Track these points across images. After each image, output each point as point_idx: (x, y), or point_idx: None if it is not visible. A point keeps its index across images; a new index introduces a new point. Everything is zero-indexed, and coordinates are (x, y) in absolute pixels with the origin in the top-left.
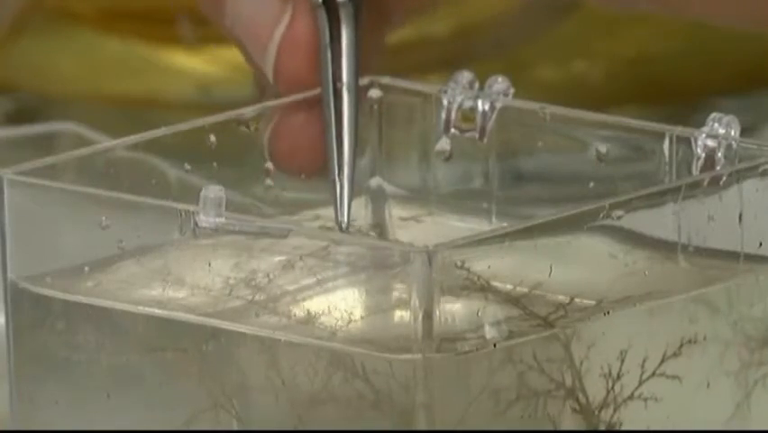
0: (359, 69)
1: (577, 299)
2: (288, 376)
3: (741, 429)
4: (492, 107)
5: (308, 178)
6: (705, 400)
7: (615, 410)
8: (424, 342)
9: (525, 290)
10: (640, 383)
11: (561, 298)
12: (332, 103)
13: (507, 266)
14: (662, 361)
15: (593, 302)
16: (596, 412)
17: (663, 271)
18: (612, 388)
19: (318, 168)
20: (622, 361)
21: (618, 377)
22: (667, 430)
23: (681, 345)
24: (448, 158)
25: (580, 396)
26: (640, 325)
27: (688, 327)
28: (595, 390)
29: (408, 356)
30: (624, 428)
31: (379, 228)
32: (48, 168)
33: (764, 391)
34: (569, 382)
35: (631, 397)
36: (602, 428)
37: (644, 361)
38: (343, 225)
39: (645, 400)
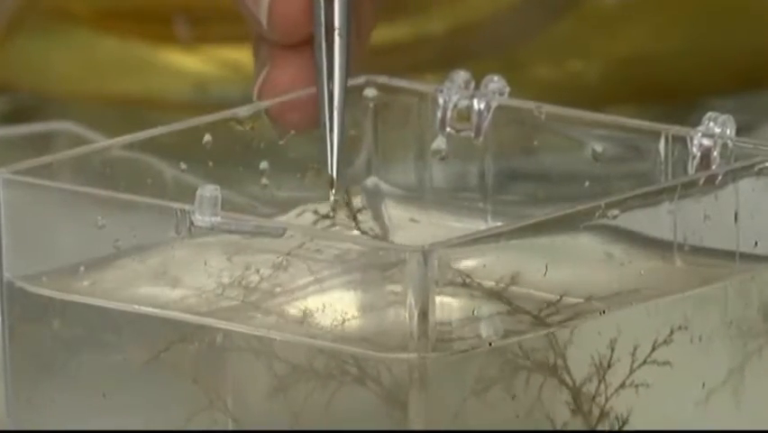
0: (351, 15)
1: (573, 299)
2: (283, 375)
3: (741, 429)
4: (488, 107)
5: (300, 133)
6: (702, 398)
7: (611, 409)
8: (419, 341)
9: (521, 289)
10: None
11: (557, 297)
12: (324, 48)
13: (502, 265)
14: (653, 349)
15: (589, 301)
16: (593, 412)
17: (659, 270)
18: (606, 386)
19: (310, 123)
20: (618, 360)
21: (614, 375)
22: (667, 430)
23: (672, 333)
24: (444, 157)
25: (570, 388)
26: (636, 324)
27: (684, 325)
28: (590, 389)
29: (404, 355)
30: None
31: (376, 226)
32: (44, 167)
33: (759, 388)
34: (564, 380)
35: (625, 393)
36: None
37: (639, 360)
38: (333, 174)
39: (641, 399)
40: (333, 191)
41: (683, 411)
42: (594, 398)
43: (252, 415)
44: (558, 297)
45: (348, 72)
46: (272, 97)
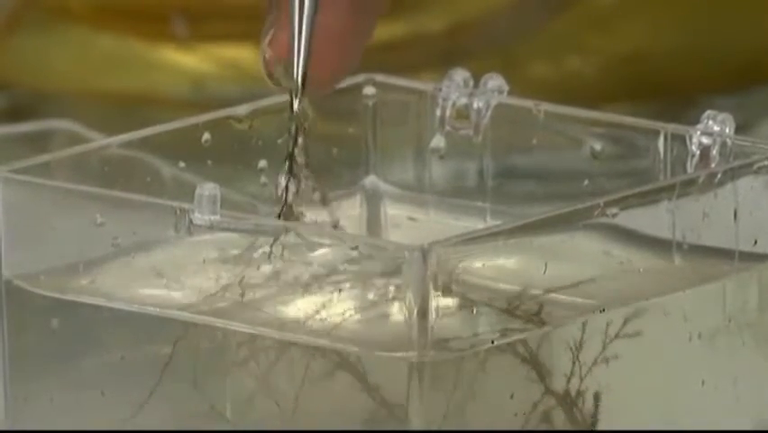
0: None
1: (572, 297)
2: (282, 374)
3: (741, 429)
4: (487, 105)
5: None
6: (702, 396)
7: (608, 407)
8: (419, 340)
9: (520, 287)
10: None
11: (556, 295)
12: None
13: (501, 264)
14: (624, 323)
15: (588, 300)
16: (590, 410)
17: (658, 268)
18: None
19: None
20: (616, 358)
21: (611, 374)
22: (666, 430)
23: (626, 323)
24: (443, 156)
25: (568, 386)
26: (635, 322)
27: (682, 324)
28: (588, 385)
29: (403, 354)
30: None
31: (374, 226)
32: (42, 166)
33: (757, 386)
34: (563, 379)
35: (623, 392)
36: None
37: (637, 357)
38: (298, 78)
39: (638, 397)
40: (298, 99)
41: (682, 409)
42: (597, 402)
43: (250, 413)
44: (561, 296)
45: None
46: (276, 52)
